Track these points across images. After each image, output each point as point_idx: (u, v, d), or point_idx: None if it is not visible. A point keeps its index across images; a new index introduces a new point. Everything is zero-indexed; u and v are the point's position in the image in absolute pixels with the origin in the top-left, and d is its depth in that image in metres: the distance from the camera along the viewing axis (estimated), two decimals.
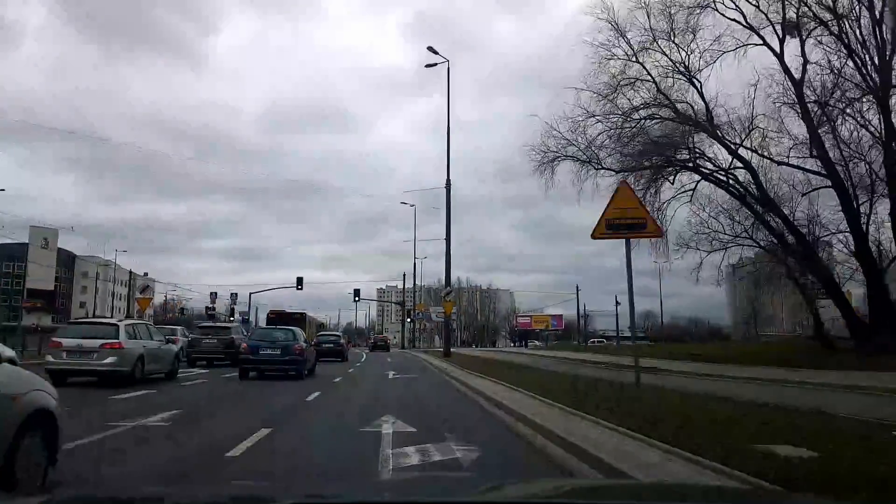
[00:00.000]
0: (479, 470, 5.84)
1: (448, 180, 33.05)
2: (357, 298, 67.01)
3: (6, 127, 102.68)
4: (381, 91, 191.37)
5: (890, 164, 21.66)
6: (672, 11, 23.97)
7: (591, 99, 25.04)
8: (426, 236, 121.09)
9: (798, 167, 24.44)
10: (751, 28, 23.68)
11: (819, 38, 23.09)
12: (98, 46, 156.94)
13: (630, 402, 9.42)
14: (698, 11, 23.74)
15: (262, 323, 48.79)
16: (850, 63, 22.46)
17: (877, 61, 22.37)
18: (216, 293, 68.42)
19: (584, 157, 25.68)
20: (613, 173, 25.37)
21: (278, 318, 38.34)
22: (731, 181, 25.38)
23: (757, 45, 24.04)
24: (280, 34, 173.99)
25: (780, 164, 24.81)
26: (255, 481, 5.01)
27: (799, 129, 24.00)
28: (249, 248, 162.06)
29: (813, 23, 22.82)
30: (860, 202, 23.37)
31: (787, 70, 23.64)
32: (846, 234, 24.22)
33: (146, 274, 73.50)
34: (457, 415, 10.43)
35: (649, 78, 25.15)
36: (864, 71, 22.36)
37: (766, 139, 24.17)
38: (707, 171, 25.64)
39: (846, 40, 22.47)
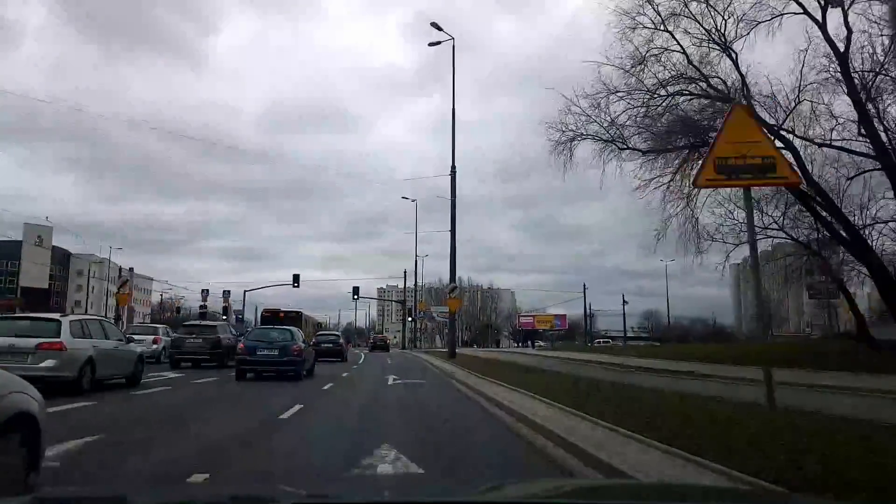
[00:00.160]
0: None
1: (453, 166, 31.34)
2: (356, 296, 64.93)
3: (6, 127, 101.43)
4: (381, 91, 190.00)
5: None
6: None
7: (613, 73, 22.64)
8: (426, 236, 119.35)
9: (844, 149, 22.00)
10: None
11: (868, 3, 20.64)
12: (98, 46, 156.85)
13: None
14: None
15: (258, 322, 47.62)
16: None
17: None
18: (207, 291, 65.45)
19: (608, 136, 23.22)
20: (640, 154, 22.95)
21: (273, 316, 37.79)
22: None
23: (796, 13, 21.60)
24: (280, 34, 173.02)
25: (821, 145, 22.41)
26: None
27: (840, 108, 21.65)
28: (250, 248, 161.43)
29: None
30: None
31: (830, 40, 21.22)
32: None
33: (131, 269, 70.82)
34: (484, 445, 7.55)
35: (678, 48, 22.65)
36: None
37: (816, 115, 21.68)
38: None
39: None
